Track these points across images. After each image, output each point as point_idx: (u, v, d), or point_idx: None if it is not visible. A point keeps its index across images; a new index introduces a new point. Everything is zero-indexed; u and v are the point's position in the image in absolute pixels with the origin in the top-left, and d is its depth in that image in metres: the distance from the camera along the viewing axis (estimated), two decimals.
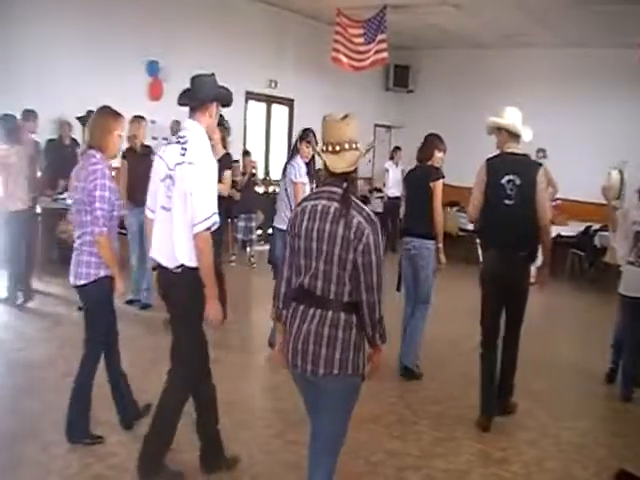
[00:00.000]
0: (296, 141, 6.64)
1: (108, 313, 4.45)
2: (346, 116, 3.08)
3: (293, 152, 6.55)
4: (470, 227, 5.14)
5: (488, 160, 5.08)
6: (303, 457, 3.35)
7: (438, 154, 6.14)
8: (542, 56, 14.08)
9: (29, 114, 8.22)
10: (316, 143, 5.97)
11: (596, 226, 11.55)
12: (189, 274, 3.77)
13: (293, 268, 3.16)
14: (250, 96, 13.02)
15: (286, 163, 6.57)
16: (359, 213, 2.95)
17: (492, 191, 4.93)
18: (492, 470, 4.53)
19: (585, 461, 4.76)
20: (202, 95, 3.87)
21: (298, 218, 3.09)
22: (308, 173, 6.37)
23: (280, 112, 13.98)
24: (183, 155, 3.72)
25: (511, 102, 4.95)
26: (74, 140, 9.44)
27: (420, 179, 6.08)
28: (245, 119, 13.05)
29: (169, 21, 11.04)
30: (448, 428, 5.08)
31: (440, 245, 6.05)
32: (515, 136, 4.97)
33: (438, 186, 5.97)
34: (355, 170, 3.07)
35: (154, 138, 9.90)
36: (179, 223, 3.72)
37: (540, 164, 5.13)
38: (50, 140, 9.23)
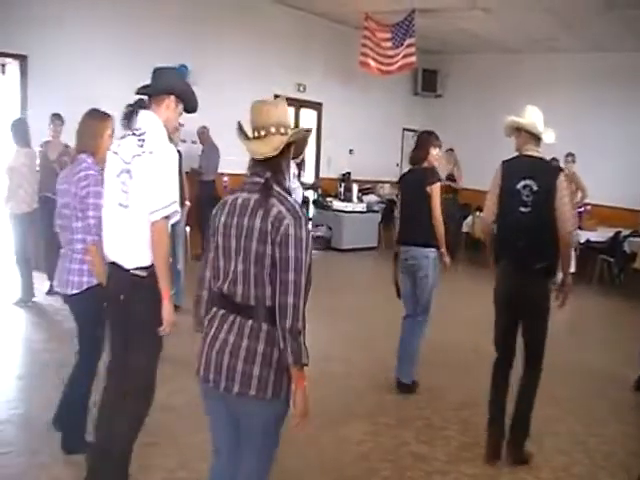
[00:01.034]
0: None
1: (100, 322, 4.13)
2: (278, 99, 2.79)
3: None
4: None
5: (504, 162, 4.71)
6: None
7: (434, 151, 5.80)
8: (571, 60, 14.01)
9: (55, 118, 8.34)
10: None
11: (626, 232, 11.46)
12: (153, 276, 3.53)
13: (213, 271, 2.80)
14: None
15: None
16: (281, 203, 2.60)
17: (507, 197, 4.57)
18: (520, 475, 4.53)
19: (613, 468, 4.75)
20: (157, 85, 3.69)
21: (217, 213, 2.76)
22: (298, 175, 6.26)
23: (309, 116, 14.01)
24: (141, 146, 3.50)
25: (540, 107, 4.80)
26: None
27: (416, 183, 5.72)
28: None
29: (198, 25, 11.16)
30: (476, 433, 5.05)
31: (443, 250, 5.69)
32: (535, 137, 4.58)
33: (436, 190, 5.61)
34: (282, 156, 2.70)
35: (183, 141, 9.98)
36: (143, 218, 3.49)
37: (561, 169, 4.76)
38: None
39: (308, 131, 2.85)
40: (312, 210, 13.46)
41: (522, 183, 4.47)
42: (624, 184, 12.83)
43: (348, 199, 13.86)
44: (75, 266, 4.09)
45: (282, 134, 2.69)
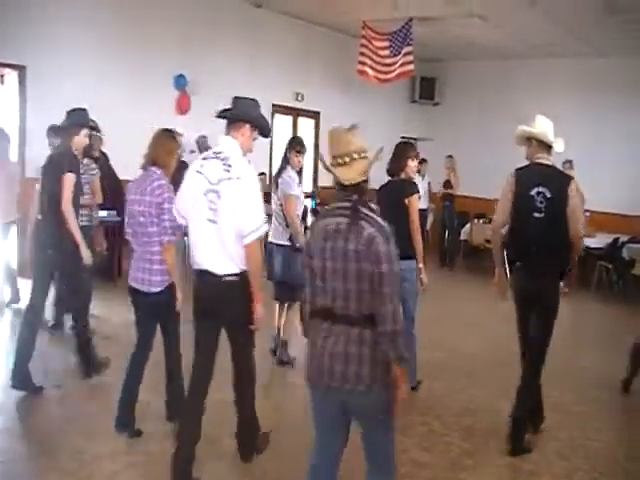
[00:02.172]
0: (285, 151, 6.45)
1: (177, 313, 4.71)
2: (353, 126, 3.09)
3: (283, 163, 6.35)
4: None
5: (517, 170, 4.83)
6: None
7: (412, 163, 5.82)
8: (571, 66, 14.00)
9: (52, 132, 8.26)
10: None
11: (624, 238, 11.47)
12: (245, 279, 4.01)
13: (312, 288, 3.15)
14: (276, 109, 13.08)
15: (277, 175, 6.36)
16: (370, 224, 2.94)
17: (521, 203, 4.72)
18: None
19: (614, 474, 4.75)
20: (236, 111, 4.11)
21: (312, 238, 3.09)
22: (299, 183, 6.31)
23: (306, 125, 14.00)
24: (228, 171, 3.91)
25: (539, 113, 4.84)
26: (103, 153, 9.46)
27: (394, 195, 5.71)
28: (271, 132, 13.05)
29: (197, 35, 11.17)
30: (478, 440, 5.06)
31: (421, 265, 5.71)
32: (546, 146, 4.72)
33: (414, 202, 5.65)
34: (366, 180, 3.05)
35: (192, 151, 10.07)
36: (232, 233, 3.93)
37: (572, 177, 4.83)
38: None
39: (382, 150, 3.15)
40: (310, 218, 13.43)
41: (535, 190, 4.65)
42: (622, 190, 12.84)
43: None
44: (156, 267, 4.56)
45: (363, 158, 3.03)
